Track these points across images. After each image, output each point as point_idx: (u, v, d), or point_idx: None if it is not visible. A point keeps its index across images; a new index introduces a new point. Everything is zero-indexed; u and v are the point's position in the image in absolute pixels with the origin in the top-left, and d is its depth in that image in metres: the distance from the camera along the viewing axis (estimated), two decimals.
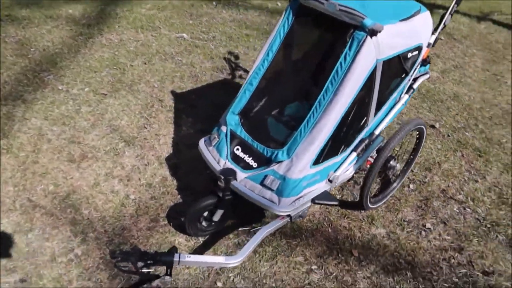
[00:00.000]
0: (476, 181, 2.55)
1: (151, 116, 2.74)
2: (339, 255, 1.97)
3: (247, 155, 1.88)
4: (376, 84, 1.79)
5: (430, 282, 1.91)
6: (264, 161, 1.83)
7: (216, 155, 1.94)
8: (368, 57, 1.68)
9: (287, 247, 1.97)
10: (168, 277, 1.53)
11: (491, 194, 2.46)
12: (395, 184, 2.30)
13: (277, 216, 1.85)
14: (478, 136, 2.97)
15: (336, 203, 1.91)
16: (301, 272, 1.87)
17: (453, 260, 2.03)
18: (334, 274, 1.88)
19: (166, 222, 2.04)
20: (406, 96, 2.06)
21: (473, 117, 3.19)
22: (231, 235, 2.01)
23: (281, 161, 1.77)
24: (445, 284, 1.90)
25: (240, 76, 3.35)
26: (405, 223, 2.20)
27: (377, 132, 1.97)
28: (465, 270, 1.98)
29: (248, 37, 4.03)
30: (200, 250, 1.92)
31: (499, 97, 3.53)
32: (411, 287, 1.87)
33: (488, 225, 2.24)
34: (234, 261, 1.60)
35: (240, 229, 2.04)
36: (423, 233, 2.16)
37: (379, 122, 1.99)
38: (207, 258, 1.59)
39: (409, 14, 1.85)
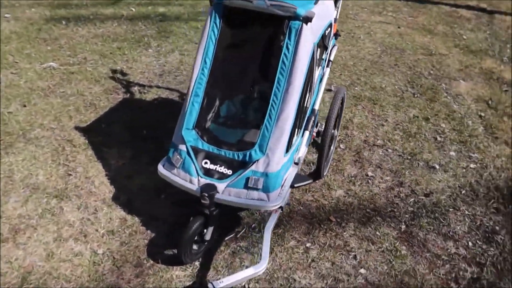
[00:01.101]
0: (383, 125, 2.98)
1: (69, 161, 2.44)
2: (322, 226, 2.13)
3: (218, 165, 1.86)
4: (314, 66, 1.95)
5: (395, 218, 2.22)
6: (238, 166, 1.84)
7: (186, 176, 1.88)
8: (307, 43, 1.81)
9: (276, 238, 2.04)
10: None
11: (398, 131, 2.92)
12: (332, 148, 2.54)
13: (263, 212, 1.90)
14: (365, 88, 3.44)
15: (311, 181, 2.05)
16: (300, 254, 1.98)
17: (401, 194, 2.38)
18: (327, 244, 2.03)
19: (151, 261, 1.91)
20: (328, 69, 2.28)
21: (353, 73, 3.65)
22: (222, 248, 1.99)
23: (257, 160, 1.81)
24: (406, 215, 2.24)
25: (140, 92, 3.18)
26: (353, 178, 2.47)
27: (316, 107, 2.15)
28: (412, 199, 2.35)
29: (120, 50, 3.81)
30: (201, 273, 1.86)
31: (362, 51, 4.10)
32: (386, 227, 2.14)
33: (409, 157, 2.67)
34: (262, 267, 1.62)
35: (226, 239, 2.03)
36: (370, 181, 2.46)
37: (316, 98, 2.17)
38: (239, 275, 1.58)
39: None
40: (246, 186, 1.81)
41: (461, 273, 1.93)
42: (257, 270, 1.60)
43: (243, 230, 2.07)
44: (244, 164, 1.83)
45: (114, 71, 3.44)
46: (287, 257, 1.95)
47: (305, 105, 2.02)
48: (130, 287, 1.79)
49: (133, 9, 4.79)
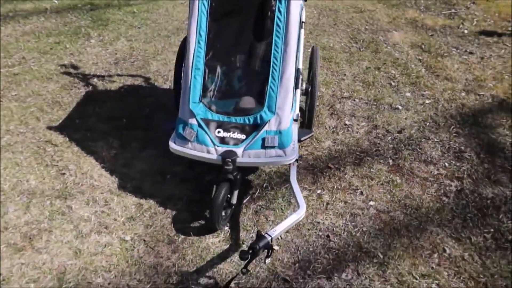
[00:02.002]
0: (343, 79, 3.23)
1: (56, 160, 2.34)
2: (324, 173, 2.33)
3: (231, 132, 1.95)
4: (301, 25, 2.09)
5: (382, 155, 2.49)
6: (251, 129, 1.94)
7: (202, 147, 1.94)
8: (296, 5, 1.94)
9: (290, 192, 2.19)
10: (269, 259, 1.58)
11: (358, 82, 3.19)
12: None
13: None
14: None
15: (313, 133, 2.22)
16: (315, 201, 2.16)
17: (379, 135, 2.65)
18: (334, 187, 2.24)
19: (182, 236, 1.96)
20: (303, 30, 2.43)
21: None
22: (244, 211, 2.10)
23: (269, 120, 1.93)
24: (389, 151, 2.52)
25: (101, 83, 3.07)
26: (335, 129, 2.70)
27: (300, 66, 2.30)
28: (389, 137, 2.64)
29: (60, 44, 3.61)
30: (234, 236, 1.96)
31: None
32: (377, 164, 2.40)
33: (374, 103, 2.96)
34: (303, 212, 1.76)
35: (244, 202, 2.14)
36: (349, 129, 2.71)
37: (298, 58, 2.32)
38: (286, 223, 1.70)
39: None
40: (263, 146, 1.93)
41: (447, 188, 2.25)
42: (299, 215, 1.74)
43: (257, 191, 2.19)
44: (256, 127, 1.94)
45: (64, 66, 3.26)
46: (311, 210, 2.12)
47: (297, 64, 2.16)
48: (172, 263, 1.84)
49: (56, 1, 4.47)
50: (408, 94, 3.07)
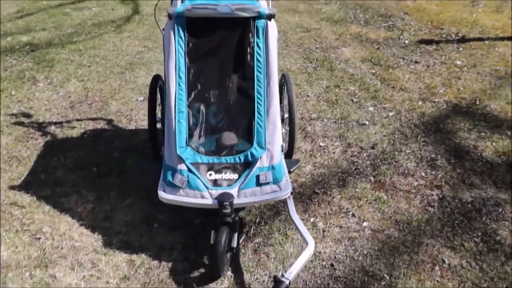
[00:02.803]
0: (308, 100, 3.29)
1: (27, 224, 2.14)
2: (313, 200, 2.33)
3: (223, 173, 1.89)
4: None
5: (362, 173, 2.54)
6: (243, 167, 1.90)
7: (195, 193, 1.86)
8: (273, 37, 1.95)
9: (284, 225, 2.16)
10: None
11: (323, 102, 3.27)
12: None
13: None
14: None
15: (300, 162, 2.21)
16: (311, 229, 2.15)
17: (355, 153, 2.72)
18: (326, 213, 2.25)
19: None
20: None
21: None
22: (242, 251, 2.04)
23: (260, 157, 1.90)
24: (368, 168, 2.58)
25: (60, 130, 2.86)
26: (311, 152, 2.73)
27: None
28: (365, 154, 2.71)
29: (4, 92, 3.35)
30: (239, 280, 1.89)
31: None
32: (360, 183, 2.45)
33: (342, 121, 3.03)
34: (312, 247, 1.73)
35: (240, 242, 2.08)
36: (325, 150, 2.75)
37: None
38: (299, 262, 1.66)
39: None
40: (258, 184, 1.89)
41: (429, 198, 2.35)
42: (310, 251, 1.72)
43: (252, 228, 2.14)
44: (248, 164, 1.90)
45: (13, 116, 3.01)
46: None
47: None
48: None
49: None
50: (371, 109, 3.19)
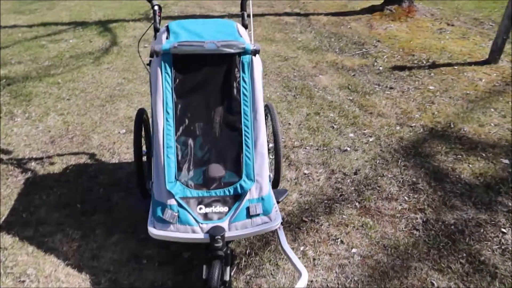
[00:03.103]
0: (290, 128, 3.35)
1: (10, 267, 2.06)
2: (301, 228, 2.35)
3: (213, 207, 1.89)
4: None
5: (347, 199, 2.58)
6: (233, 200, 1.91)
7: (186, 228, 1.85)
8: (258, 71, 2.00)
9: (274, 255, 2.17)
10: None
11: (304, 130, 3.33)
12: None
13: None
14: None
15: (288, 192, 2.24)
16: (301, 258, 2.16)
17: (339, 179, 2.77)
18: (315, 241, 2.26)
19: None
20: None
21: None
22: (234, 284, 2.02)
23: (250, 189, 1.92)
24: (353, 194, 2.63)
25: (41, 166, 2.81)
26: (296, 180, 2.76)
27: None
28: (348, 180, 2.77)
29: None
30: None
31: None
32: (346, 209, 2.49)
33: (324, 148, 3.10)
34: (305, 278, 1.73)
35: (231, 274, 2.07)
36: (310, 178, 2.79)
37: None
38: None
39: (235, 27, 2.22)
40: (248, 216, 1.90)
41: (414, 221, 2.41)
42: (304, 281, 1.72)
43: (243, 260, 2.13)
44: (238, 197, 1.91)
45: None
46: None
47: None
48: None
49: None
50: (351, 135, 3.27)
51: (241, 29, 2.27)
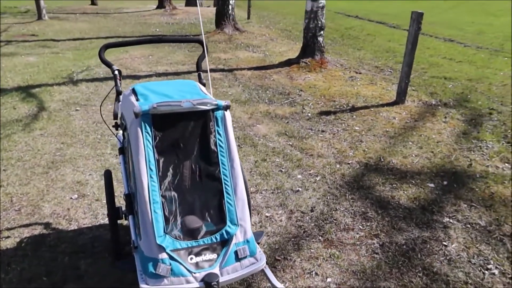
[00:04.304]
0: None
1: None
2: (276, 267, 2.49)
3: (203, 255, 1.97)
4: None
5: (311, 235, 2.80)
6: (220, 246, 2.01)
7: (180, 279, 1.89)
8: (230, 124, 2.19)
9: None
10: None
11: (256, 176, 3.54)
12: None
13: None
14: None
15: (264, 232, 2.37)
16: None
17: (298, 217, 2.99)
18: (293, 276, 2.41)
19: None
20: None
21: None
22: None
23: (235, 233, 2.04)
24: (314, 230, 2.86)
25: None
26: (260, 223, 2.92)
27: None
28: (307, 217, 3.00)
29: None
30: None
31: None
32: (312, 244, 2.69)
33: (278, 191, 3.33)
34: None
35: None
36: (272, 220, 2.97)
37: None
38: None
39: (197, 86, 2.42)
40: (237, 259, 2.01)
41: (372, 246, 2.69)
42: None
43: None
44: (225, 242, 2.02)
45: None
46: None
47: None
48: None
49: None
50: (299, 176, 3.55)
51: (202, 87, 2.47)
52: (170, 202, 2.01)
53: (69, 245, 2.62)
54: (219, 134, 2.12)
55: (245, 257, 2.00)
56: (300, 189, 3.35)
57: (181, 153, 2.10)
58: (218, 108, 2.12)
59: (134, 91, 2.32)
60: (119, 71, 2.51)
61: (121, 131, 2.57)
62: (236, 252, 1.99)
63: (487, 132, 4.40)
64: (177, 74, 6.63)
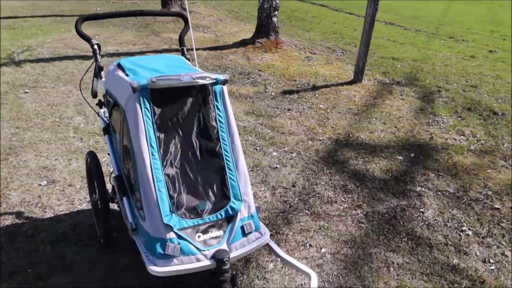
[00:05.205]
0: None
1: None
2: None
3: (210, 232, 1.94)
4: None
5: (297, 209, 2.85)
6: (226, 222, 1.99)
7: (190, 258, 1.85)
8: (228, 99, 2.14)
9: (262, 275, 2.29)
10: None
11: None
12: None
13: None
14: None
15: (260, 208, 2.37)
16: (283, 267, 2.32)
17: (282, 193, 3.02)
18: (288, 249, 2.45)
19: None
20: None
21: None
22: None
23: (240, 209, 2.03)
24: (300, 204, 2.92)
25: None
26: None
27: None
28: (290, 192, 3.05)
29: None
30: None
31: None
32: (302, 216, 2.75)
33: (258, 168, 3.34)
34: (315, 278, 1.88)
35: None
36: (258, 196, 2.98)
37: None
38: None
39: (185, 61, 2.34)
40: (244, 234, 1.99)
41: (357, 216, 2.80)
42: (315, 282, 1.88)
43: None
44: (230, 218, 2.00)
45: None
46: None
47: None
48: None
49: None
50: (275, 153, 3.59)
51: (189, 62, 2.39)
52: (173, 180, 1.94)
53: (49, 234, 2.45)
54: (218, 109, 2.06)
55: (250, 232, 2.00)
56: (278, 165, 3.38)
57: (181, 130, 2.02)
58: (216, 82, 2.06)
59: (120, 66, 2.18)
60: (99, 45, 2.35)
61: (103, 109, 2.42)
62: (242, 227, 1.98)
63: (440, 108, 4.72)
64: (130, 54, 6.32)
